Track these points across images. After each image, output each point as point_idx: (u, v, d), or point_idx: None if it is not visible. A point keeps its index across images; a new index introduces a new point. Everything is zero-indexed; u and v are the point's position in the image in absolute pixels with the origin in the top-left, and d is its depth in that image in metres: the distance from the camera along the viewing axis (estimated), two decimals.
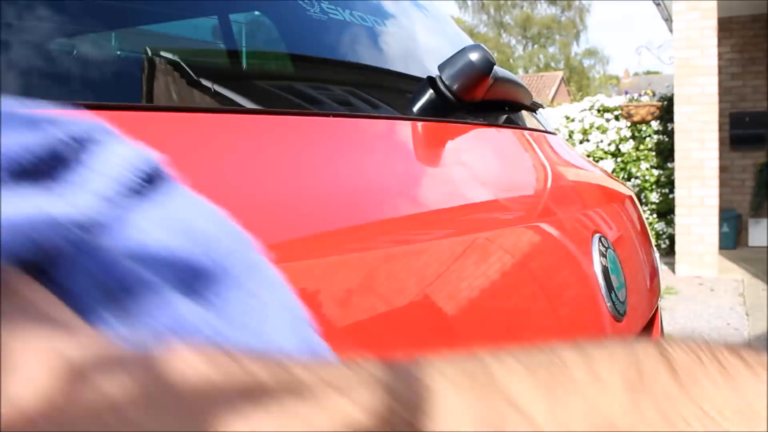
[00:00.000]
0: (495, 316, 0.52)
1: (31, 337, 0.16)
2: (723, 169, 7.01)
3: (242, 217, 0.41)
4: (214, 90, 0.57)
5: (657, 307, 0.93)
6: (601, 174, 1.01)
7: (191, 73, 0.55)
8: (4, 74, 0.39)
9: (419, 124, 0.68)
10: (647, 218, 7.49)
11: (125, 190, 0.24)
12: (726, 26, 7.22)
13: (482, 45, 0.71)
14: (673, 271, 5.57)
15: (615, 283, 0.68)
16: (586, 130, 9.24)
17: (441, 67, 0.70)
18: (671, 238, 6.87)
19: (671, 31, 6.55)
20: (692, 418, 0.20)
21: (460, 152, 0.72)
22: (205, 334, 0.21)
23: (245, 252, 0.29)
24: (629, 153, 8.78)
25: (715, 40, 5.85)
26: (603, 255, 0.68)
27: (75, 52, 0.49)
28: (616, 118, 8.90)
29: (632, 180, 8.49)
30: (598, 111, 9.16)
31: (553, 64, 42.83)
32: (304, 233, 0.43)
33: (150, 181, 0.25)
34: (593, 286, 0.64)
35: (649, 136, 8.59)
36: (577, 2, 42.35)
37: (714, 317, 3.90)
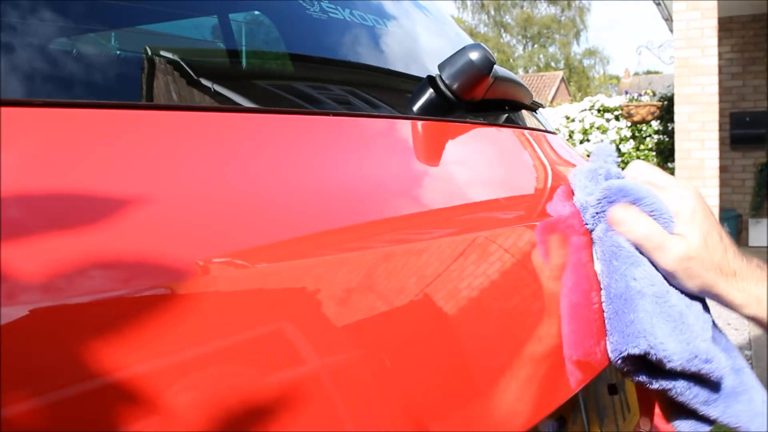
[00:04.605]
0: (494, 315, 0.52)
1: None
2: (723, 169, 7.01)
3: (243, 215, 0.41)
4: (214, 89, 0.57)
5: None
6: None
7: (191, 72, 0.55)
8: (4, 74, 0.39)
9: (419, 123, 0.68)
10: None
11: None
12: (726, 26, 7.22)
13: (482, 44, 0.71)
14: None
15: None
16: (586, 130, 9.24)
17: (441, 67, 0.70)
18: None
19: (671, 30, 6.55)
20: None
21: (460, 151, 0.72)
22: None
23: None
24: (629, 153, 8.78)
25: (715, 40, 5.84)
26: None
27: (74, 51, 0.49)
28: (617, 118, 8.90)
29: None
30: (599, 111, 9.16)
31: (553, 64, 42.81)
32: (304, 232, 0.43)
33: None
34: (593, 286, 0.64)
35: (650, 136, 8.59)
36: (577, 2, 42.34)
37: (714, 317, 3.90)
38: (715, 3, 5.79)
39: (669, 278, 0.65)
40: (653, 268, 0.64)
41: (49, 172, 0.35)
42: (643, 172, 0.70)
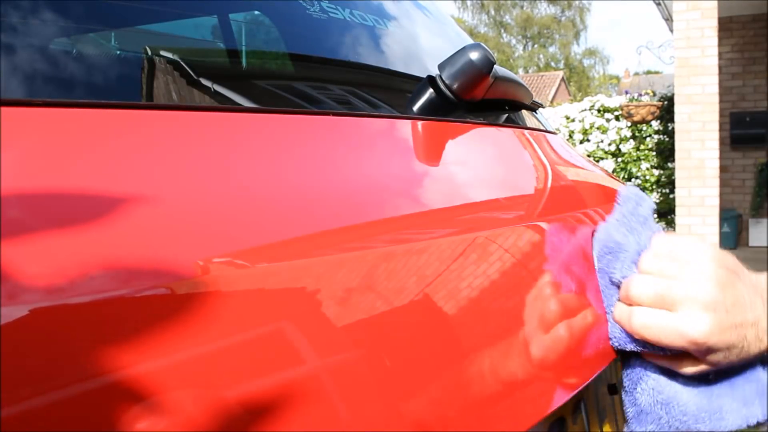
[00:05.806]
0: (494, 315, 0.52)
1: None
2: (723, 169, 7.01)
3: (243, 215, 0.41)
4: (214, 89, 0.57)
5: None
6: (601, 174, 1.01)
7: (191, 72, 0.55)
8: (4, 74, 0.39)
9: (419, 123, 0.68)
10: None
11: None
12: (726, 26, 7.22)
13: (482, 44, 0.71)
14: None
15: None
16: (586, 130, 9.24)
17: (441, 66, 0.70)
18: None
19: (671, 30, 6.55)
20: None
21: (460, 151, 0.72)
22: None
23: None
24: (629, 153, 8.78)
25: (715, 40, 5.84)
26: None
27: (74, 51, 0.49)
28: (617, 118, 8.90)
29: (633, 180, 8.47)
30: (599, 111, 9.16)
31: (553, 64, 42.82)
32: (304, 232, 0.43)
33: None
34: (593, 286, 0.64)
35: (650, 136, 8.59)
36: (577, 2, 42.35)
37: None
38: (715, 3, 5.79)
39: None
40: None
41: (49, 172, 0.35)
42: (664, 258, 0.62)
